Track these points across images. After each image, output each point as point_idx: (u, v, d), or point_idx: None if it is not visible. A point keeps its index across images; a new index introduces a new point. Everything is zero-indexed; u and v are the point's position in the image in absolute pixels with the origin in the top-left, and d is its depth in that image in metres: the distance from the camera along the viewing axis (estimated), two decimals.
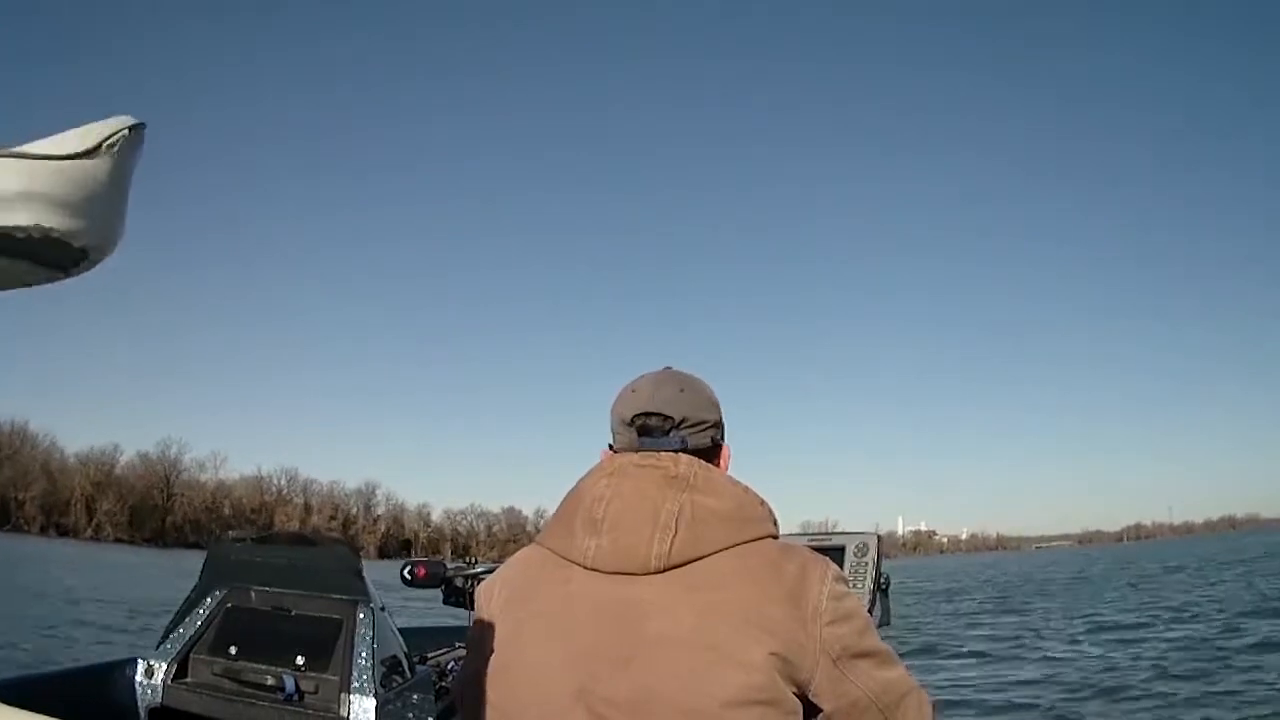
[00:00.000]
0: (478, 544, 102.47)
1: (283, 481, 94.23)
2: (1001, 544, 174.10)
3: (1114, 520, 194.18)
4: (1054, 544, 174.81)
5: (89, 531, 73.43)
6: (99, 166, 0.58)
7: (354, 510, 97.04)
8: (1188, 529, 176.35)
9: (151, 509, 79.10)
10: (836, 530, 1.73)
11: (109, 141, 0.58)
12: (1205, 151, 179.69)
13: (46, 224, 0.56)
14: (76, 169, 0.57)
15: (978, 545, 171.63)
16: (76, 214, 0.57)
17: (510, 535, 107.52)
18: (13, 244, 0.57)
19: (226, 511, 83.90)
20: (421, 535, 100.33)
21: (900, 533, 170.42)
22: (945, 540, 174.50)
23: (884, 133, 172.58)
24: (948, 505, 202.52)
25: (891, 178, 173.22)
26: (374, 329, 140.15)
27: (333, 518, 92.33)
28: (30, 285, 0.63)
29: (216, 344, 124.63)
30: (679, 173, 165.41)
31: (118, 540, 72.74)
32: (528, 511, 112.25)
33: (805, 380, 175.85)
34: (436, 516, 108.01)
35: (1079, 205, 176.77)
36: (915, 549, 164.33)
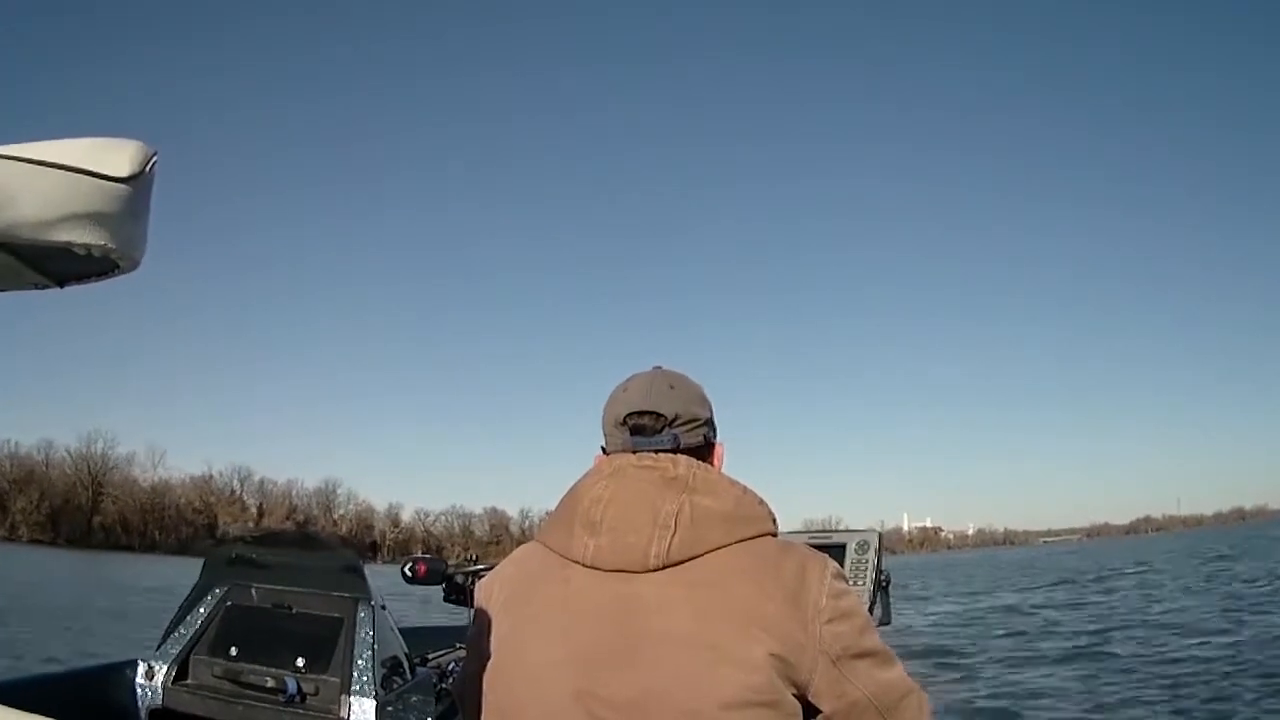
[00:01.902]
0: (452, 545, 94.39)
1: (235, 482, 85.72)
2: (1009, 539, 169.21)
3: (1121, 513, 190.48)
4: (1061, 538, 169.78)
5: (2, 531, 64.98)
6: (146, 187, 0.62)
7: (314, 510, 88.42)
8: (1197, 521, 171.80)
9: (75, 508, 70.29)
10: (837, 528, 1.70)
11: (151, 164, 0.61)
12: (1214, 145, 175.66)
13: (109, 243, 0.60)
14: (134, 190, 0.60)
15: (985, 541, 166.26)
16: (133, 234, 0.61)
17: (493, 537, 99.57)
18: (68, 257, 0.60)
19: (165, 512, 75.34)
20: (389, 536, 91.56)
21: (906, 529, 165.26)
22: (952, 536, 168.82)
23: (888, 131, 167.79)
24: (953, 501, 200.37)
25: (897, 175, 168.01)
26: (347, 326, 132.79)
27: (288, 518, 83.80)
28: (43, 289, 0.67)
29: (170, 340, 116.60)
30: (677, 170, 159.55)
31: (34, 541, 64.14)
32: (512, 512, 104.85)
33: (808, 379, 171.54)
34: (407, 517, 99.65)
35: (1082, 200, 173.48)
36: (922, 545, 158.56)
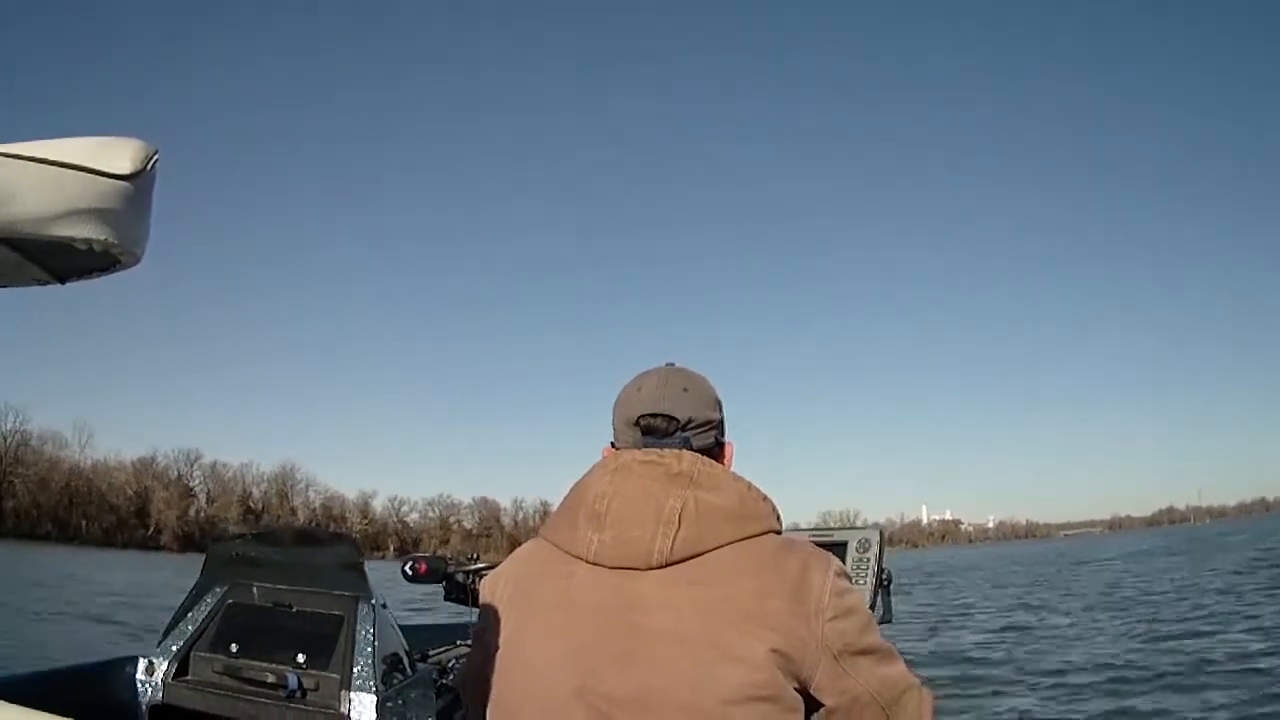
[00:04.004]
0: (429, 539, 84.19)
1: (182, 466, 75.43)
2: (1031, 531, 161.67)
3: (1142, 505, 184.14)
4: (1082, 530, 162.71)
5: None
6: (147, 185, 0.63)
7: (272, 498, 78.13)
8: (1221, 512, 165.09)
9: None
10: (839, 525, 1.73)
11: (153, 161, 0.62)
12: (1224, 139, 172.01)
13: (111, 239, 0.61)
14: (135, 188, 0.61)
15: (1006, 534, 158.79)
16: (135, 231, 0.63)
17: (482, 530, 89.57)
18: (70, 253, 0.61)
19: (90, 497, 65.11)
20: (357, 528, 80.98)
21: (925, 522, 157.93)
22: (972, 529, 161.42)
23: (895, 129, 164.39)
24: (972, 494, 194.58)
25: (911, 175, 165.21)
26: (331, 313, 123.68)
27: (241, 503, 73.68)
28: (45, 285, 0.68)
29: (126, 322, 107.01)
30: (682, 169, 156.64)
31: None
32: (504, 502, 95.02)
33: (828, 372, 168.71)
34: (380, 506, 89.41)
35: (1097, 194, 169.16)
36: (943, 538, 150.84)
